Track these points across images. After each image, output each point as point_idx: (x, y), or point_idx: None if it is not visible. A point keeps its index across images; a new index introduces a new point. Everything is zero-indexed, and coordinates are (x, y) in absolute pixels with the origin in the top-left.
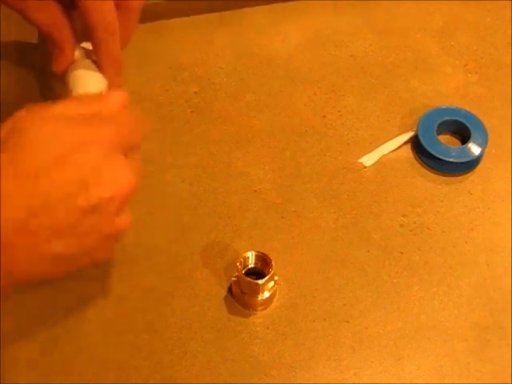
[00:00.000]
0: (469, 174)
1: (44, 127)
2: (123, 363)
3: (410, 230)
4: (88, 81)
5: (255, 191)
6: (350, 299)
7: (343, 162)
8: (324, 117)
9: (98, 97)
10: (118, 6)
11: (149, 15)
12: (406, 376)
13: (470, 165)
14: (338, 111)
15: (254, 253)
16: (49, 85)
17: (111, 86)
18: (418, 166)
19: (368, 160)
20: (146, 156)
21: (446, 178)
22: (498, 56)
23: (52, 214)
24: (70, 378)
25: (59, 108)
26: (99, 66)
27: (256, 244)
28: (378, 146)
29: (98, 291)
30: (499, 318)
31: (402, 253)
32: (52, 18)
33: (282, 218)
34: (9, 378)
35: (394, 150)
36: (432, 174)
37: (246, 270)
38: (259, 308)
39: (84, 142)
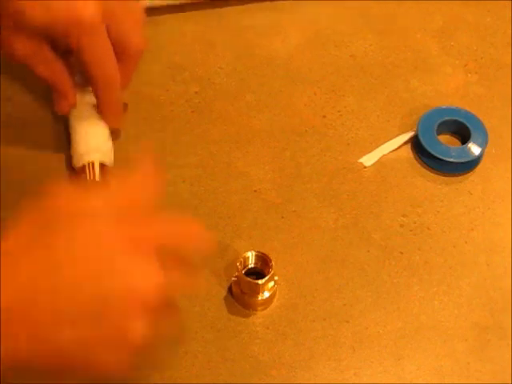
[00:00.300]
0: (469, 174)
1: (79, 229)
2: None
3: (410, 230)
4: (88, 130)
5: (255, 191)
6: (350, 299)
7: (343, 162)
8: (324, 117)
9: (125, 180)
10: (118, 54)
11: (148, 15)
12: (406, 376)
13: (470, 165)
14: (338, 111)
15: (254, 253)
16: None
17: (112, 131)
18: (418, 165)
19: (368, 160)
20: (146, 156)
21: (446, 178)
22: (498, 56)
23: (58, 300)
24: (70, 378)
25: (91, 203)
26: (100, 113)
27: (256, 244)
28: (378, 146)
29: None
30: (499, 318)
31: (401, 253)
32: (52, 69)
33: (282, 217)
34: (9, 378)
35: (393, 150)
36: (432, 174)
37: (245, 269)
38: (259, 308)
39: (121, 244)
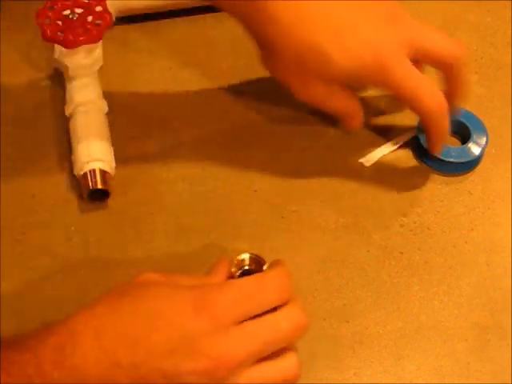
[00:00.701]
0: (469, 174)
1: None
2: None
3: (410, 230)
4: (90, 138)
5: (255, 191)
6: (350, 299)
7: (343, 161)
8: (324, 117)
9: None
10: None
11: (148, 15)
12: (406, 376)
13: (470, 165)
14: None
15: (247, 255)
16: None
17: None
18: (418, 165)
19: (368, 160)
20: (147, 156)
21: (446, 178)
22: (498, 56)
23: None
24: None
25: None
26: (428, 142)
27: (256, 244)
28: (378, 146)
29: (98, 291)
30: (499, 318)
31: (402, 253)
32: (347, 103)
33: (282, 218)
34: None
35: (394, 151)
36: (432, 174)
37: (240, 272)
38: None
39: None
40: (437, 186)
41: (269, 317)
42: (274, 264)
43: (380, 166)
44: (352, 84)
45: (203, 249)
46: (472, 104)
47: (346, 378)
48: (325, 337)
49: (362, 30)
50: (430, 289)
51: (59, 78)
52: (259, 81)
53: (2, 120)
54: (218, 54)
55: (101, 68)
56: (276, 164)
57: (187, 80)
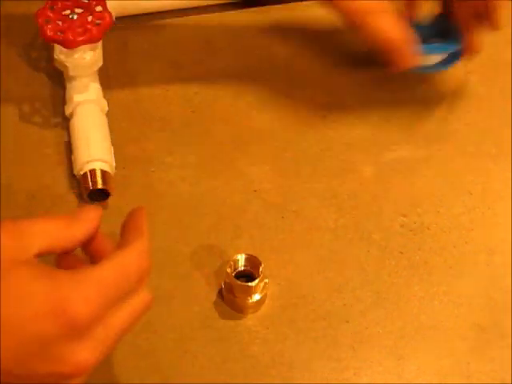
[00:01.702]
0: (469, 174)
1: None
2: (123, 363)
3: (410, 230)
4: (90, 138)
5: (255, 191)
6: (350, 299)
7: (343, 161)
8: (324, 117)
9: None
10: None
11: (149, 20)
12: (405, 376)
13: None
14: (338, 111)
15: (243, 256)
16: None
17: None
18: (418, 165)
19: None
20: (147, 156)
21: (446, 178)
22: (498, 55)
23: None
24: None
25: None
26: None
27: (256, 244)
28: (378, 146)
29: None
30: (499, 318)
31: (401, 253)
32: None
33: (282, 217)
34: None
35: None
36: (432, 174)
37: (235, 272)
38: (250, 311)
39: None
40: (437, 186)
41: (127, 308)
42: (131, 230)
43: (380, 166)
44: None
45: (203, 249)
46: (472, 104)
47: (346, 378)
48: (325, 337)
49: None
50: (429, 289)
51: (59, 78)
52: (259, 81)
53: (1, 120)
54: (218, 54)
55: (101, 68)
56: (276, 164)
57: (187, 80)
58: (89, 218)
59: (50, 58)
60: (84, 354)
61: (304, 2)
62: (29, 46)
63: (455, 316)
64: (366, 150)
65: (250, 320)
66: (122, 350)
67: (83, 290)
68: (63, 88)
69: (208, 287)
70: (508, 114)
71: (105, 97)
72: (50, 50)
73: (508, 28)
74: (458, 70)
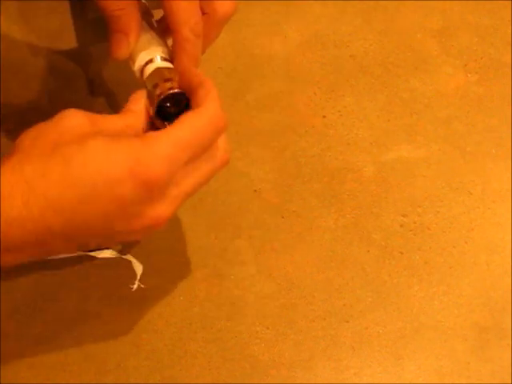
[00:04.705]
0: (469, 174)
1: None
2: (123, 363)
3: (410, 230)
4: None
5: (255, 191)
6: (350, 299)
7: (343, 162)
8: (324, 117)
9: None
10: (203, 11)
11: None
12: (406, 376)
13: None
14: (338, 111)
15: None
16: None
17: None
18: (418, 165)
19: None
20: None
21: (446, 178)
22: (498, 56)
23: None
24: (69, 378)
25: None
26: (176, 67)
27: (256, 244)
28: (378, 146)
29: (97, 291)
30: (499, 318)
31: (401, 253)
32: (122, 1)
33: (282, 218)
34: (9, 378)
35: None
36: (432, 174)
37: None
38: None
39: None
40: (437, 186)
41: (200, 170)
42: (198, 89)
43: (380, 166)
44: None
45: (203, 249)
46: (472, 104)
47: (346, 378)
48: (325, 337)
49: None
50: (429, 289)
51: (58, 80)
52: (259, 81)
53: (1, 120)
54: (218, 54)
55: (100, 68)
56: (276, 164)
57: None
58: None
59: (50, 59)
60: (161, 209)
61: (305, 2)
62: (29, 46)
63: (455, 316)
64: (366, 150)
65: (249, 320)
66: (122, 350)
67: (158, 152)
68: (63, 88)
69: (208, 287)
70: (508, 113)
71: (105, 96)
72: (50, 50)
73: (508, 28)
74: (458, 69)
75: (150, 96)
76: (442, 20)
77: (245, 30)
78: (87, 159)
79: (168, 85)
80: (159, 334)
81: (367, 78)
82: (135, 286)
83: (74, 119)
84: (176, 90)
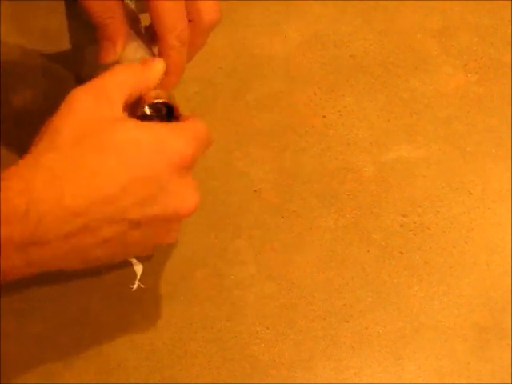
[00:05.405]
0: (469, 174)
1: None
2: (123, 363)
3: (410, 230)
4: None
5: (255, 191)
6: (350, 299)
7: (343, 162)
8: (324, 117)
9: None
10: (189, 18)
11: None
12: (406, 376)
13: None
14: (338, 111)
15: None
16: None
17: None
18: (418, 165)
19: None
20: None
21: (446, 178)
22: (498, 56)
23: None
24: (70, 378)
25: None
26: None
27: (256, 244)
28: (378, 146)
29: (97, 292)
30: (499, 318)
31: (401, 253)
32: (110, 9)
33: (282, 218)
34: (9, 378)
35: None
36: (432, 174)
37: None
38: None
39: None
40: (437, 186)
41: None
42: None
43: (380, 166)
44: None
45: (203, 249)
46: (472, 104)
47: (346, 378)
48: (325, 337)
49: None
50: (429, 289)
51: (57, 80)
52: (259, 81)
53: (1, 120)
54: (218, 54)
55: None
56: (276, 164)
57: (186, 80)
58: (157, 65)
59: (50, 59)
60: (191, 189)
61: (305, 2)
62: (28, 47)
63: (455, 316)
64: (366, 150)
65: (249, 320)
66: (122, 350)
67: (184, 136)
68: (62, 89)
69: (208, 287)
70: (508, 113)
71: None
72: (50, 51)
73: (508, 28)
74: (458, 69)
75: (135, 102)
76: (442, 20)
77: (245, 30)
78: (117, 146)
79: (153, 93)
80: (159, 334)
81: (367, 78)
82: (135, 286)
83: (84, 103)
84: (160, 100)
